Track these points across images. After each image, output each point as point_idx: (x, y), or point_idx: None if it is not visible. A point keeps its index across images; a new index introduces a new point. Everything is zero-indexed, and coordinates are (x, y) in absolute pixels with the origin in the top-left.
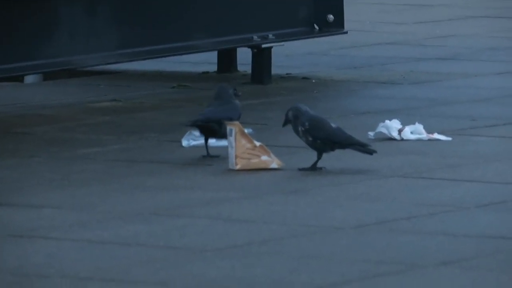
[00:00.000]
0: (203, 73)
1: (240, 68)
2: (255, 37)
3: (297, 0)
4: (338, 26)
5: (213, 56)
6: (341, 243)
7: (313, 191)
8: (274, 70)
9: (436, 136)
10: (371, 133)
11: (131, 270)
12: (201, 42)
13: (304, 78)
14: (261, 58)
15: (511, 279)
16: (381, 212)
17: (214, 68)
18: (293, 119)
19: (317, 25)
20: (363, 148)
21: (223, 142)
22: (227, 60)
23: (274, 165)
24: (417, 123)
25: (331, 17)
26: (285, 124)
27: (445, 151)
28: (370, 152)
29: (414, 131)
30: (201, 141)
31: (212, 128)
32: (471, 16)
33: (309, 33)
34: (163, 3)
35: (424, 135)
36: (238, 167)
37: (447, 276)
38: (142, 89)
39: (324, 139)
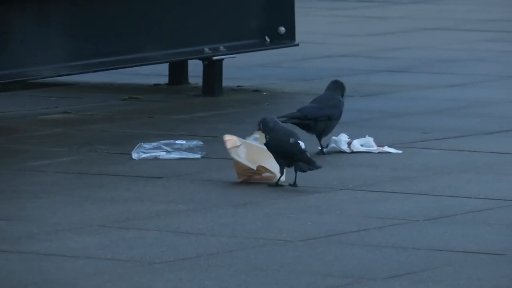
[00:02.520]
0: (154, 85)
1: (191, 80)
2: (206, 49)
3: (248, 12)
4: (289, 38)
5: (164, 68)
6: (289, 255)
7: (262, 204)
8: (225, 82)
9: (386, 149)
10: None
11: (79, 282)
12: (153, 54)
13: (255, 90)
14: (212, 70)
15: None
16: (330, 224)
17: (165, 80)
18: (263, 131)
19: (268, 37)
20: (307, 165)
21: (173, 155)
22: (178, 72)
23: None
24: (367, 136)
25: (282, 29)
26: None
27: (395, 164)
28: (315, 168)
29: (365, 144)
30: (152, 153)
31: (307, 125)
32: (423, 28)
33: (261, 45)
34: (114, 15)
35: (375, 148)
36: (240, 180)
37: None
38: (93, 101)
39: (277, 153)
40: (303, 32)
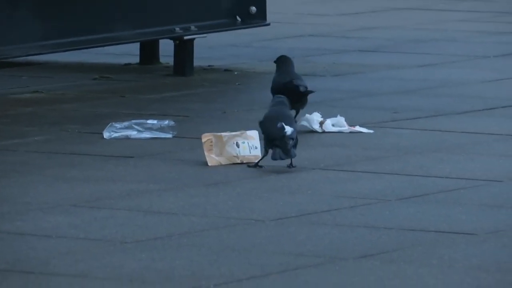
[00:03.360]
0: (125, 64)
1: (162, 60)
2: (177, 29)
3: None
4: (260, 18)
5: (135, 47)
6: (261, 235)
7: (233, 183)
8: (197, 62)
9: (357, 128)
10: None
11: (51, 261)
12: (123, 34)
13: (227, 70)
14: (183, 50)
15: (431, 271)
16: (301, 204)
17: (136, 59)
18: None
19: (239, 16)
20: (282, 154)
21: (144, 134)
22: (149, 51)
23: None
24: (338, 116)
25: (253, 8)
26: None
27: (367, 144)
28: (286, 158)
29: (336, 124)
30: (123, 132)
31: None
32: (394, 8)
33: (232, 25)
34: None
35: (346, 128)
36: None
37: (367, 268)
38: (64, 81)
39: (263, 134)
40: (274, 12)
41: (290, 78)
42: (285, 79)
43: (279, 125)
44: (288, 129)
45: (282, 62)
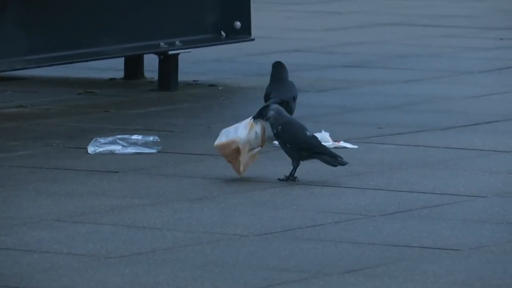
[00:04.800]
0: (110, 79)
1: (147, 74)
2: (162, 44)
3: (204, 7)
4: (245, 33)
5: (120, 62)
6: (245, 250)
7: (218, 198)
8: (181, 77)
9: (342, 144)
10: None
11: (34, 276)
12: (108, 49)
13: (211, 85)
14: (168, 64)
15: (415, 287)
16: (285, 219)
17: (121, 74)
18: (273, 120)
19: (224, 32)
20: (334, 159)
21: (129, 150)
22: (134, 66)
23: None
24: (323, 131)
25: (238, 24)
26: (258, 117)
27: (351, 159)
28: (342, 163)
29: (321, 139)
30: (107, 147)
31: (287, 109)
32: (379, 24)
33: (216, 40)
34: (70, 9)
35: (330, 143)
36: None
37: (351, 284)
38: (48, 95)
39: (292, 144)
40: (259, 27)
41: (270, 90)
42: (268, 90)
43: (308, 134)
44: (319, 135)
45: (274, 68)
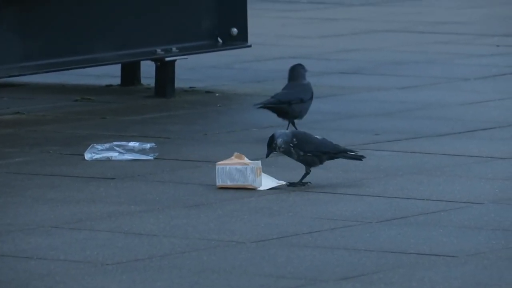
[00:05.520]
0: (107, 86)
1: (143, 81)
2: (158, 50)
3: (201, 13)
4: (241, 39)
5: (116, 69)
6: (241, 257)
7: (214, 205)
8: (178, 84)
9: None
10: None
11: (31, 283)
12: (105, 55)
13: (208, 91)
14: (165, 71)
15: None
16: (282, 226)
17: (117, 81)
18: (283, 145)
19: (220, 38)
20: (352, 154)
21: (126, 156)
22: (130, 73)
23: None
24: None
25: (234, 30)
26: (270, 153)
27: (348, 166)
28: (359, 157)
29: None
30: (104, 154)
31: (283, 110)
32: (374, 30)
33: (213, 47)
34: (66, 16)
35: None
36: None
37: None
38: (45, 102)
39: (313, 151)
40: (255, 34)
41: (277, 93)
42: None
43: (320, 138)
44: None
45: (288, 71)
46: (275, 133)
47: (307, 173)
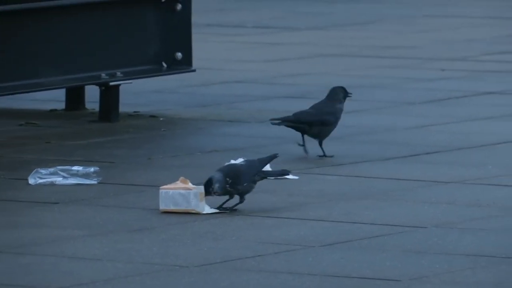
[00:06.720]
0: (51, 110)
1: (88, 105)
2: (103, 75)
3: (145, 38)
4: (186, 64)
5: (61, 93)
6: (184, 281)
7: (158, 229)
8: (122, 108)
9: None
10: None
11: None
12: (49, 80)
13: (152, 116)
14: (109, 96)
15: None
16: (226, 250)
17: (62, 105)
18: (219, 190)
19: (165, 62)
20: (278, 171)
21: (70, 181)
22: (75, 97)
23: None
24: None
25: (179, 55)
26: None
27: (292, 190)
28: (286, 173)
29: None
30: (48, 179)
31: (301, 129)
32: (321, 55)
33: (157, 71)
34: (10, 40)
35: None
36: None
37: None
38: None
39: (249, 180)
40: (200, 58)
41: (302, 110)
42: None
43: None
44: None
45: (328, 91)
46: (212, 177)
47: (241, 202)
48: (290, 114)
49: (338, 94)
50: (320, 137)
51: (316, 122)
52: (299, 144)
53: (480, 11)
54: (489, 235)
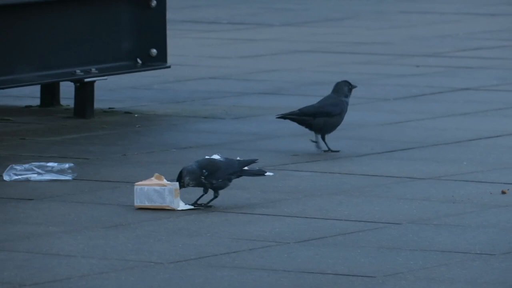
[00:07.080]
0: (26, 107)
1: (63, 102)
2: (78, 71)
3: (120, 34)
4: (161, 60)
5: (36, 90)
6: (159, 278)
7: (133, 226)
8: (97, 104)
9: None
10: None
11: None
12: (24, 76)
13: (127, 112)
14: (84, 92)
15: None
16: (200, 247)
17: (37, 102)
18: (191, 181)
19: (140, 59)
20: (255, 170)
21: (45, 177)
22: (50, 94)
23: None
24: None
25: (154, 51)
26: (181, 188)
27: (266, 186)
28: (262, 173)
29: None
30: (23, 175)
31: (306, 122)
32: (294, 51)
33: (132, 67)
34: None
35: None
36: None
37: None
38: None
39: (225, 175)
40: (175, 55)
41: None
42: None
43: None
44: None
45: (334, 86)
46: (182, 170)
47: (215, 197)
48: (268, 109)
49: (343, 88)
50: (324, 130)
51: (319, 113)
52: (312, 141)
53: (453, 7)
54: (464, 231)
